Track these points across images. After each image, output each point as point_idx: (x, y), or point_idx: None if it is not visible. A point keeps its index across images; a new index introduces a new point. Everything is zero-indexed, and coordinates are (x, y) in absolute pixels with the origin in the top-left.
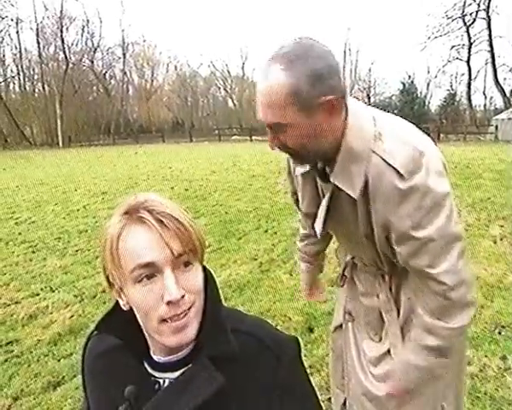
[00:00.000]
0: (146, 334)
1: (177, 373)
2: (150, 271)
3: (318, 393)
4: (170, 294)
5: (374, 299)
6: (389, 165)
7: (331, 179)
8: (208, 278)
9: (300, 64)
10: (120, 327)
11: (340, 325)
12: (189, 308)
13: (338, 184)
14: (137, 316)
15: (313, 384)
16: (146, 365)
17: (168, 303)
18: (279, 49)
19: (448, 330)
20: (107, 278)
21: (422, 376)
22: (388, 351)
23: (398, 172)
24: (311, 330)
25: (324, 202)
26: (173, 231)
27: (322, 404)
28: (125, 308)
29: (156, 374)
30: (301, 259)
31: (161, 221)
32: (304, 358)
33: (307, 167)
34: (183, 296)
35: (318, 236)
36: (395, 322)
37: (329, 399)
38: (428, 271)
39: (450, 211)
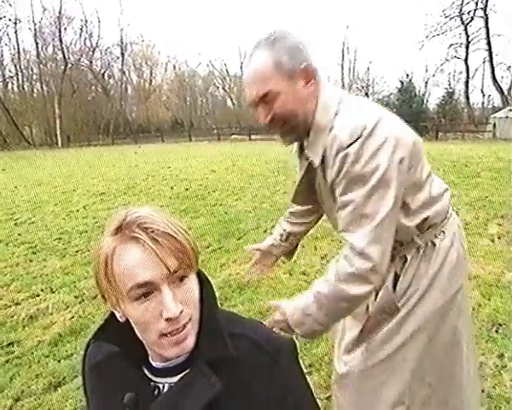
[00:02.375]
0: (144, 343)
1: (176, 378)
2: (147, 289)
3: (318, 392)
4: (168, 311)
5: None
6: (336, 136)
7: (305, 151)
8: (204, 283)
9: (279, 42)
10: (118, 334)
11: None
12: (188, 322)
13: (308, 154)
14: (136, 330)
15: (310, 385)
16: (145, 370)
17: (167, 320)
18: (257, 41)
19: (336, 289)
20: (102, 294)
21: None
22: (356, 341)
23: (341, 141)
24: None
25: (298, 176)
26: (168, 249)
27: (320, 403)
28: (121, 320)
29: (156, 379)
30: (275, 231)
31: (155, 240)
32: (303, 357)
33: (295, 145)
34: (181, 312)
35: (290, 206)
36: (363, 308)
37: (328, 397)
38: (343, 235)
39: (373, 189)
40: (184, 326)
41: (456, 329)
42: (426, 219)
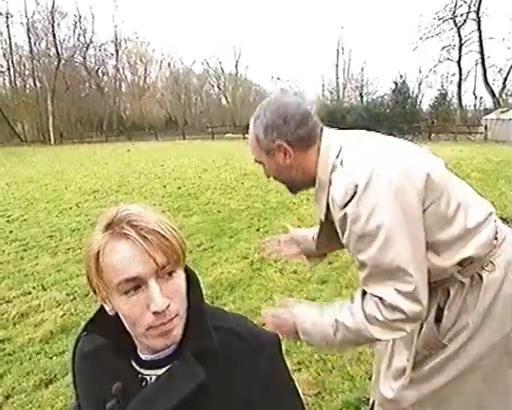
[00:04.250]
0: (133, 336)
1: (163, 370)
2: (136, 283)
3: (307, 388)
4: (156, 304)
5: None
6: (333, 195)
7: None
8: (191, 278)
9: (259, 119)
10: (108, 327)
11: None
12: (175, 316)
13: (316, 210)
14: (124, 323)
15: (294, 379)
16: (133, 363)
17: (154, 313)
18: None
19: (361, 327)
20: (93, 288)
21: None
22: (405, 369)
23: (337, 201)
24: None
25: (319, 225)
26: (157, 245)
27: (309, 399)
28: (111, 313)
29: (144, 371)
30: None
31: (145, 237)
32: (293, 354)
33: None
34: (168, 306)
35: (316, 249)
36: (414, 342)
37: (316, 394)
38: (370, 291)
39: (384, 244)
40: (172, 319)
41: None
42: (466, 258)
